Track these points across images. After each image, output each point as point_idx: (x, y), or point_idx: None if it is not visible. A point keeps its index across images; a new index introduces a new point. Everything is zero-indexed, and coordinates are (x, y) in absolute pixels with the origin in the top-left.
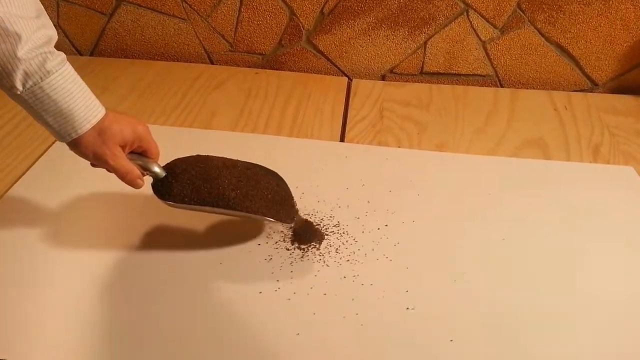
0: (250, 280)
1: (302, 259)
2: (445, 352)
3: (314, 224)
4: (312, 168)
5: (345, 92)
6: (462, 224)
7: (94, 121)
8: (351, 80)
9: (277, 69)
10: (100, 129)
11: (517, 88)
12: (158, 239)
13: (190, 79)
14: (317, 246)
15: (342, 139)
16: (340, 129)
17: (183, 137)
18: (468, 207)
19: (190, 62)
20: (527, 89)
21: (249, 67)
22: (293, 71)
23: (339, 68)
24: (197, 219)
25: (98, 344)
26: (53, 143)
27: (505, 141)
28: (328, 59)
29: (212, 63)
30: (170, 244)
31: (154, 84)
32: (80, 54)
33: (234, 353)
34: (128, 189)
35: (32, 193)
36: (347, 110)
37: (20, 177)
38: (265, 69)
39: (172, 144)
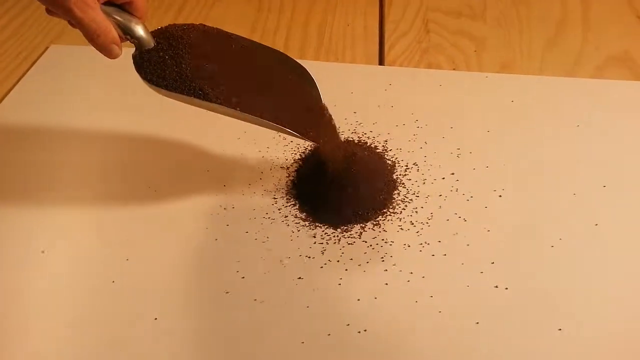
0: (284, 250)
1: None
2: (554, 345)
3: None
4: (348, 99)
5: (377, 1)
6: (550, 168)
7: None
8: None
9: None
10: None
11: None
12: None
13: None
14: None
15: (381, 62)
16: (377, 49)
17: None
18: (554, 145)
19: None
20: None
21: None
22: None
23: None
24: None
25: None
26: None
27: (584, 58)
28: None
29: None
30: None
31: None
32: None
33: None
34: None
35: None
36: (383, 25)
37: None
38: None
39: None
